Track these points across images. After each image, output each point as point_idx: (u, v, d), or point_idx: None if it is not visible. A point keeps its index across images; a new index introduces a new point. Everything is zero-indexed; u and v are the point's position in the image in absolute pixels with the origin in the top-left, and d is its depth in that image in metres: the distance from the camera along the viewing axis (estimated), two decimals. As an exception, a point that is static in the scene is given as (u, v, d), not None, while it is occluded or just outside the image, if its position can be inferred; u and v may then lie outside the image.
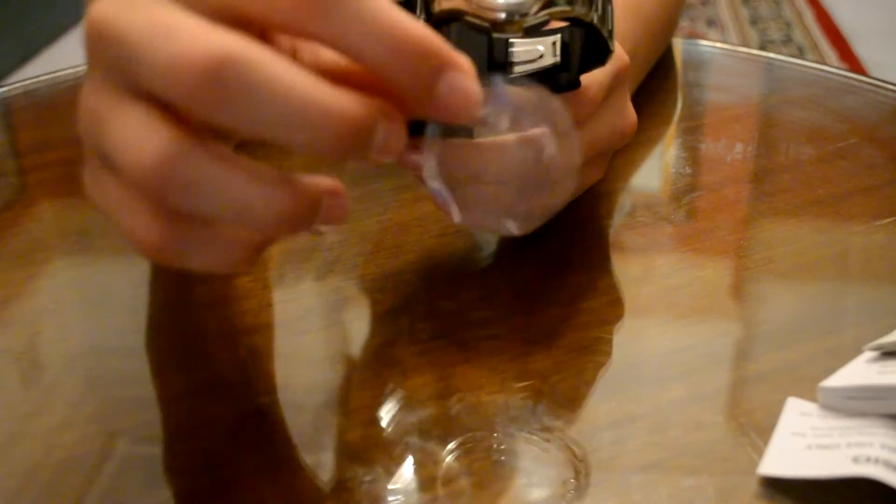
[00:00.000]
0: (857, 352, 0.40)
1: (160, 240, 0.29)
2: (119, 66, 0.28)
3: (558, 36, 0.42)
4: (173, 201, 0.28)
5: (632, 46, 0.57)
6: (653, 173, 0.58)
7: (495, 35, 0.39)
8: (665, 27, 0.66)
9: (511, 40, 0.41)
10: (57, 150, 0.61)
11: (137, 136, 0.28)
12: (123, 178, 0.29)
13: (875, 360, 0.39)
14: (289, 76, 0.27)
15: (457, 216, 0.37)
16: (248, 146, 0.33)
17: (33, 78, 0.69)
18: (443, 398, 0.40)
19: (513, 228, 0.39)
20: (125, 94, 0.29)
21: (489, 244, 0.50)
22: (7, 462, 0.38)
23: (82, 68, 0.69)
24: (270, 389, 0.41)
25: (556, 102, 0.36)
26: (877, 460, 0.34)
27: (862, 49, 2.58)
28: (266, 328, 0.44)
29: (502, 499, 0.36)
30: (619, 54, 0.46)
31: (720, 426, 0.39)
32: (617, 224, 0.52)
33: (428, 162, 0.36)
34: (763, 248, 0.50)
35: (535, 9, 0.39)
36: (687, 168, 0.59)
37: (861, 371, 0.39)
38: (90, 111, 0.30)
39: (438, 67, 0.29)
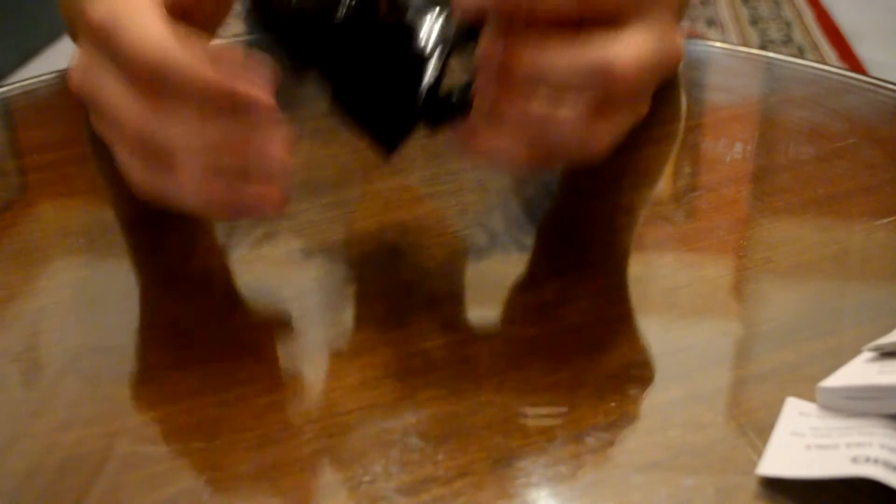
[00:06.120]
0: (857, 352, 0.40)
1: (142, 177, 0.42)
2: (110, 56, 0.42)
3: None
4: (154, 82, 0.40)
5: None
6: (653, 173, 0.58)
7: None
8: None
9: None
10: (57, 150, 0.61)
11: (115, 90, 0.42)
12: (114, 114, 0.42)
13: (874, 360, 0.39)
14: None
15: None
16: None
17: (33, 78, 0.69)
18: (442, 399, 0.40)
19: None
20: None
21: (489, 245, 0.50)
22: (7, 462, 0.38)
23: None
24: (270, 390, 0.41)
25: None
26: (876, 460, 0.34)
27: (862, 49, 2.58)
28: (265, 329, 0.44)
29: (501, 498, 0.36)
30: None
31: (720, 426, 0.39)
32: (617, 224, 0.52)
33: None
34: (763, 248, 0.50)
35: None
36: (687, 168, 0.59)
37: (860, 371, 0.39)
38: (87, 78, 0.44)
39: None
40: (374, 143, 0.44)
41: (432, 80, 0.43)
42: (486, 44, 0.41)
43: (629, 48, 0.40)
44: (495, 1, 0.40)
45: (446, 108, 0.43)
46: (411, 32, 0.43)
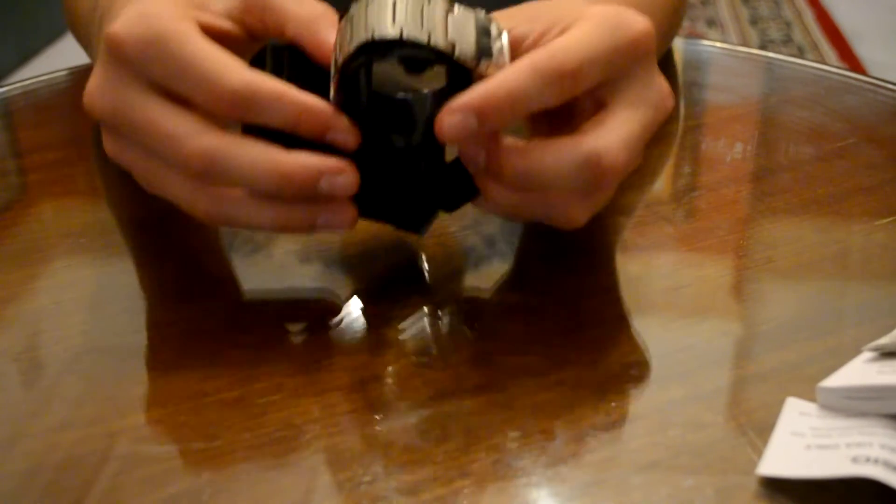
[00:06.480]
0: (857, 352, 0.40)
1: (208, 205, 0.41)
2: (169, 80, 0.40)
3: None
4: (209, 176, 0.40)
5: None
6: (653, 173, 0.58)
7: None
8: (672, 13, 0.65)
9: None
10: (57, 150, 0.61)
11: (186, 131, 0.40)
12: (168, 161, 0.40)
13: (874, 360, 0.39)
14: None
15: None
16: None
17: (33, 78, 0.69)
18: (442, 398, 0.40)
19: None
20: (164, 98, 0.40)
21: (488, 246, 0.50)
22: (7, 462, 0.38)
23: (82, 68, 0.69)
24: (270, 390, 0.41)
25: None
26: (876, 460, 0.34)
27: (862, 49, 2.58)
28: (265, 329, 0.44)
29: (502, 498, 0.36)
30: (633, 22, 0.42)
31: (720, 426, 0.39)
32: (617, 224, 0.52)
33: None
34: (763, 248, 0.50)
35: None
36: (687, 168, 0.59)
37: (860, 371, 0.39)
38: (121, 105, 0.41)
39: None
40: (402, 230, 0.46)
41: (431, 165, 0.44)
42: (469, 152, 0.42)
43: (616, 136, 0.41)
44: (479, 125, 0.40)
45: (456, 186, 0.44)
46: (401, 116, 0.43)
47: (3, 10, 2.42)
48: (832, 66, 0.71)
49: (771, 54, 0.73)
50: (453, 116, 0.39)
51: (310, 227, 0.42)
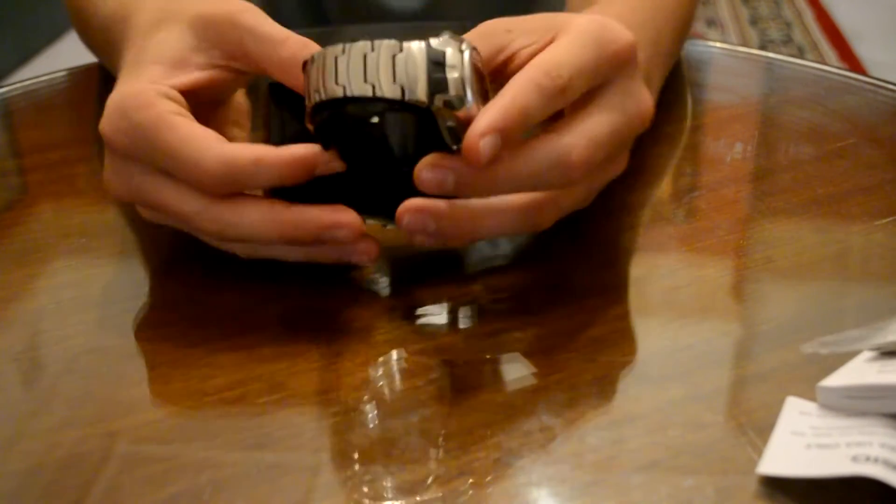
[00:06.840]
0: (857, 351, 0.40)
1: (241, 251, 0.45)
2: (161, 164, 0.43)
3: None
4: (225, 240, 0.45)
5: (654, 34, 0.56)
6: (653, 173, 0.58)
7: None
8: (686, 20, 0.66)
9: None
10: (57, 150, 0.61)
11: (191, 207, 0.43)
12: (188, 231, 0.45)
13: (874, 359, 0.39)
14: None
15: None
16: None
17: (33, 78, 0.69)
18: (443, 398, 0.40)
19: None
20: (167, 175, 0.43)
21: (490, 245, 0.50)
22: (7, 462, 0.38)
23: (82, 68, 0.69)
24: (270, 390, 0.41)
25: None
26: (876, 459, 0.34)
27: (862, 49, 2.58)
28: (265, 328, 0.44)
29: (501, 497, 0.36)
30: (617, 36, 0.44)
31: (720, 426, 0.39)
32: (617, 224, 0.52)
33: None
34: (763, 248, 0.50)
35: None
36: (687, 168, 0.59)
37: (860, 370, 0.39)
38: (132, 190, 0.44)
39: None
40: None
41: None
42: (431, 180, 0.42)
43: (583, 133, 0.43)
44: (502, 143, 0.40)
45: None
46: (379, 138, 0.44)
47: (3, 10, 2.42)
48: (832, 66, 0.71)
49: (771, 54, 0.73)
50: (487, 140, 0.40)
51: (335, 260, 0.45)
